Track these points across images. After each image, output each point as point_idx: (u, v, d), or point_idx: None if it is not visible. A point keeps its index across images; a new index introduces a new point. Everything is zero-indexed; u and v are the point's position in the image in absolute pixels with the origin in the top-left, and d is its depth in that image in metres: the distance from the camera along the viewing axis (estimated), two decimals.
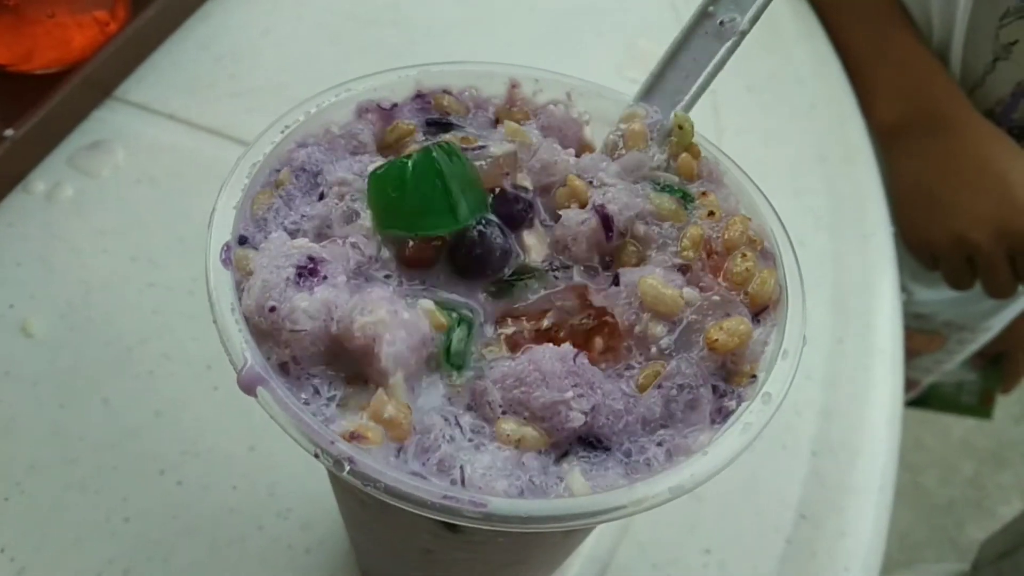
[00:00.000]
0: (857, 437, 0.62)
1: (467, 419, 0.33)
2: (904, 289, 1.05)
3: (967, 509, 1.90)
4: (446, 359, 0.34)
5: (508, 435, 0.32)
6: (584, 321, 0.35)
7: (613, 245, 0.37)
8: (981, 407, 1.18)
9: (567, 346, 0.33)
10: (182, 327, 0.60)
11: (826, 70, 0.88)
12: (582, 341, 0.36)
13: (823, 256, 0.71)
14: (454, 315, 0.35)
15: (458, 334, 0.34)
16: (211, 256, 0.34)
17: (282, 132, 0.38)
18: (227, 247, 0.34)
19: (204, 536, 0.52)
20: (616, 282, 0.36)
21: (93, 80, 0.69)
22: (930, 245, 0.90)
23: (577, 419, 0.32)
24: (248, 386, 0.31)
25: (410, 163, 0.35)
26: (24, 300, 0.61)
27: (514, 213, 0.37)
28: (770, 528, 0.57)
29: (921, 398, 1.25)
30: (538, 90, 0.43)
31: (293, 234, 0.36)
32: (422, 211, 0.35)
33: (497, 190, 0.37)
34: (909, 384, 1.20)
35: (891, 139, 0.90)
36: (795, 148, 0.80)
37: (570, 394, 0.32)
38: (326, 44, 0.80)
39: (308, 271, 0.34)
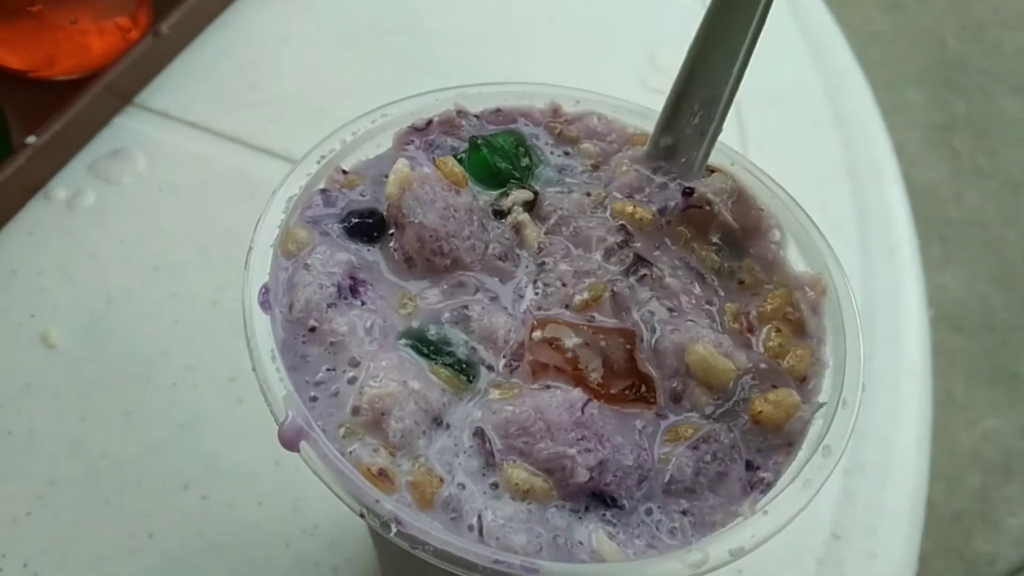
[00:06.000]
0: (888, 456, 0.61)
1: (475, 463, 0.31)
2: None
3: (974, 521, 1.89)
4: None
5: (517, 484, 0.30)
6: (625, 392, 0.33)
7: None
8: None
9: (576, 393, 0.32)
10: (205, 338, 0.59)
11: (850, 82, 0.87)
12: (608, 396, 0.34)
13: (851, 272, 0.70)
14: (463, 377, 0.33)
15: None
16: (249, 298, 0.32)
17: (318, 162, 0.37)
18: (265, 289, 0.33)
19: (230, 554, 0.51)
20: (656, 340, 0.34)
21: (114, 87, 0.68)
22: None
23: (582, 475, 0.30)
24: (290, 441, 0.29)
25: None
26: (45, 310, 0.60)
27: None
28: (802, 548, 0.56)
29: None
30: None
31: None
32: None
33: None
34: None
35: None
36: (820, 161, 0.79)
37: (574, 450, 0.30)
38: (346, 52, 0.79)
39: (350, 289, 0.33)
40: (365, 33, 0.81)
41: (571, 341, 0.33)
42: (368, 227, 0.37)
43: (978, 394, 2.00)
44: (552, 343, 0.33)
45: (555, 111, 0.42)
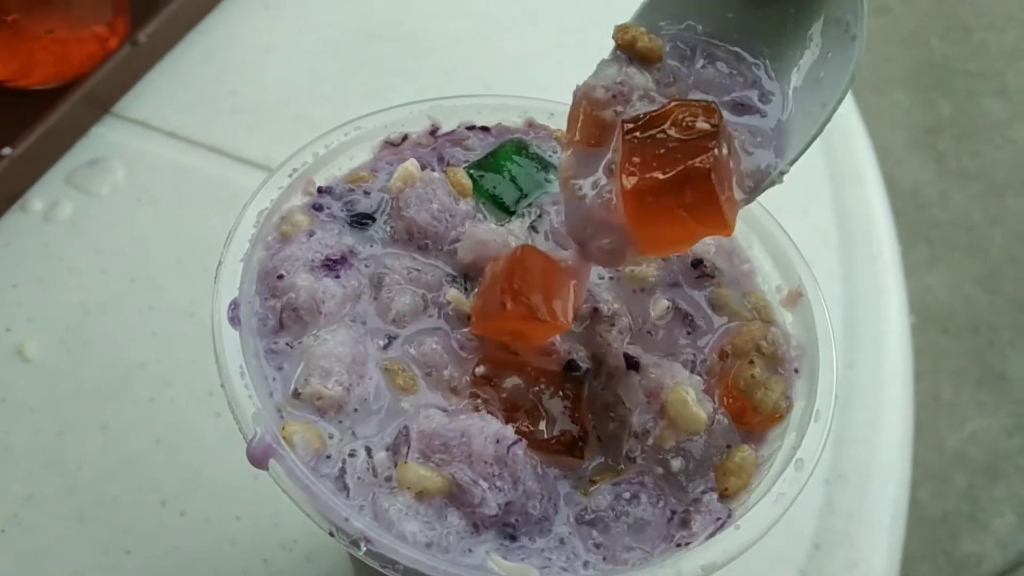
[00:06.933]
0: (870, 464, 0.61)
1: (381, 456, 0.31)
2: None
3: (961, 522, 1.89)
4: None
5: (411, 484, 0.30)
6: (552, 441, 0.32)
7: None
8: None
9: (508, 430, 0.31)
10: (183, 351, 0.59)
11: None
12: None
13: (832, 277, 0.71)
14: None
15: None
16: (218, 314, 0.32)
17: (289, 176, 0.37)
18: (235, 304, 0.32)
19: (207, 569, 0.51)
20: (634, 366, 0.33)
21: (92, 96, 0.68)
22: None
23: (491, 508, 0.30)
24: (259, 458, 0.29)
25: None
26: (21, 323, 0.59)
27: None
28: (783, 558, 0.56)
29: None
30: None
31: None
32: None
33: None
34: None
35: None
36: (801, 166, 0.79)
37: (485, 484, 0.30)
38: (328, 60, 0.78)
39: (333, 263, 0.34)
40: (347, 40, 0.80)
41: (510, 382, 0.33)
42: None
43: (965, 395, 2.01)
44: (491, 381, 0.33)
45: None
